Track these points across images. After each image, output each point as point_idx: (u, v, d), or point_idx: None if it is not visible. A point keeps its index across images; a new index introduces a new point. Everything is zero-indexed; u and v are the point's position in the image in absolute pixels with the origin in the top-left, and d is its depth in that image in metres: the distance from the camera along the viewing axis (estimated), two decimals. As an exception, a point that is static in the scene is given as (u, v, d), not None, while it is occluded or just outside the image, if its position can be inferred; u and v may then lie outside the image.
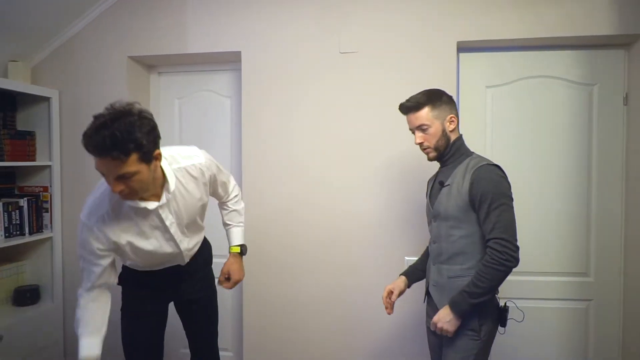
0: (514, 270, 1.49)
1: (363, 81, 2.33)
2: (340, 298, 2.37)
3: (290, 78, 2.39)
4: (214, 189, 1.81)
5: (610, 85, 2.27)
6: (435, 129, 1.64)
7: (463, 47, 2.32)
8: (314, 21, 2.36)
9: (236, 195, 1.96)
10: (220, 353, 2.68)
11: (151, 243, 1.59)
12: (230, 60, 2.57)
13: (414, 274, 1.85)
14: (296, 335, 2.42)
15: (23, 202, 2.43)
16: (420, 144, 1.68)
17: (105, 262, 1.54)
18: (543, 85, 2.31)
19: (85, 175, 2.56)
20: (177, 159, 1.60)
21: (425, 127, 1.64)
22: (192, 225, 1.72)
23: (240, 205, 1.98)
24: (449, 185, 1.62)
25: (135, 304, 1.78)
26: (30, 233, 2.47)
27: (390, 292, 1.79)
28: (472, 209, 1.56)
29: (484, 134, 2.36)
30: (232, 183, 1.94)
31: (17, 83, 2.40)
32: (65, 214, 2.59)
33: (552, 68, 2.31)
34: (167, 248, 1.65)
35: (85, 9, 2.50)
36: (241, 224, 1.99)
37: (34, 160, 2.53)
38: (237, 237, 1.96)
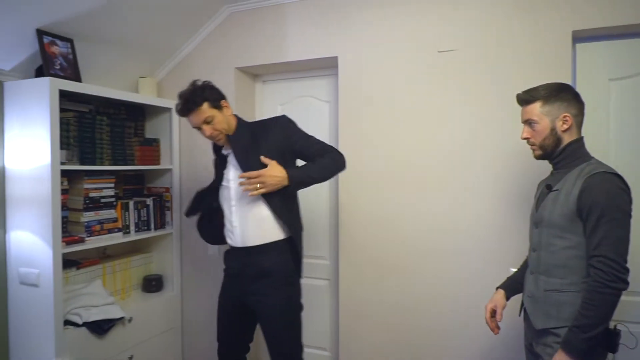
0: (630, 290, 1.32)
1: (464, 80, 2.21)
2: (437, 306, 2.29)
3: (386, 80, 2.37)
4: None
5: None
6: (543, 126, 1.51)
7: (580, 37, 2.07)
8: (410, 21, 2.31)
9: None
10: (318, 352, 2.78)
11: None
12: (328, 66, 2.64)
13: (512, 286, 1.72)
14: (391, 341, 2.39)
15: (149, 202, 2.77)
16: (527, 140, 1.58)
17: None
18: (684, 75, 1.97)
19: (199, 177, 2.83)
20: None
21: (532, 122, 1.54)
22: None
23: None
24: (557, 190, 1.48)
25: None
26: (155, 228, 2.81)
27: (494, 311, 1.68)
28: (579, 219, 1.40)
29: (607, 133, 2.08)
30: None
31: (145, 97, 2.75)
32: (183, 213, 2.89)
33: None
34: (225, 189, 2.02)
35: (197, 29, 2.78)
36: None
37: (158, 164, 2.86)
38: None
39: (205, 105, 1.92)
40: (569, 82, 2.00)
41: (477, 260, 2.20)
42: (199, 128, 1.95)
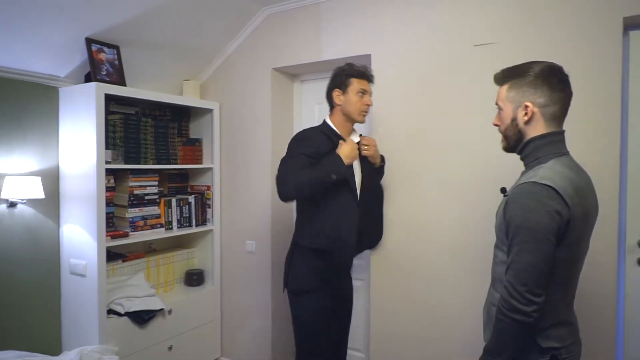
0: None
1: (501, 75, 2.09)
2: (468, 309, 2.18)
3: (420, 77, 2.29)
4: None
5: None
6: (505, 113, 1.29)
7: (633, 24, 1.88)
8: (444, 15, 2.21)
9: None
10: (353, 354, 2.75)
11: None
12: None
13: None
14: (421, 345, 2.32)
15: (191, 199, 2.89)
16: (497, 126, 1.36)
17: None
18: None
19: (238, 176, 2.91)
20: None
21: (498, 107, 1.32)
22: None
23: None
24: (506, 196, 1.26)
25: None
26: (197, 225, 2.92)
27: None
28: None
29: (665, 130, 1.88)
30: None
31: (189, 99, 2.87)
32: (223, 210, 2.99)
33: None
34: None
35: (237, 32, 2.85)
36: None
37: (200, 163, 2.98)
38: None
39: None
40: (618, 75, 1.83)
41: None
42: (363, 92, 2.04)
